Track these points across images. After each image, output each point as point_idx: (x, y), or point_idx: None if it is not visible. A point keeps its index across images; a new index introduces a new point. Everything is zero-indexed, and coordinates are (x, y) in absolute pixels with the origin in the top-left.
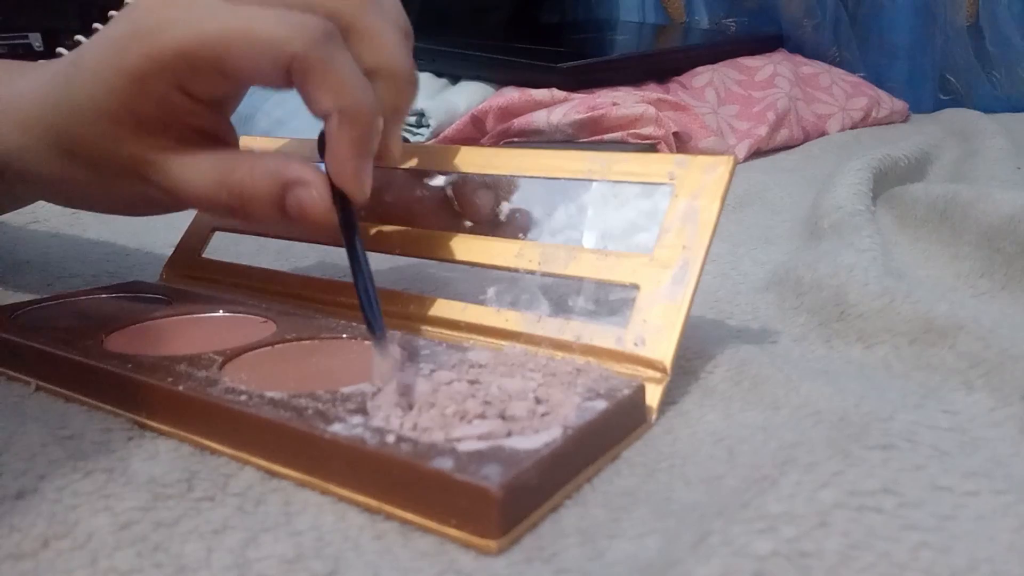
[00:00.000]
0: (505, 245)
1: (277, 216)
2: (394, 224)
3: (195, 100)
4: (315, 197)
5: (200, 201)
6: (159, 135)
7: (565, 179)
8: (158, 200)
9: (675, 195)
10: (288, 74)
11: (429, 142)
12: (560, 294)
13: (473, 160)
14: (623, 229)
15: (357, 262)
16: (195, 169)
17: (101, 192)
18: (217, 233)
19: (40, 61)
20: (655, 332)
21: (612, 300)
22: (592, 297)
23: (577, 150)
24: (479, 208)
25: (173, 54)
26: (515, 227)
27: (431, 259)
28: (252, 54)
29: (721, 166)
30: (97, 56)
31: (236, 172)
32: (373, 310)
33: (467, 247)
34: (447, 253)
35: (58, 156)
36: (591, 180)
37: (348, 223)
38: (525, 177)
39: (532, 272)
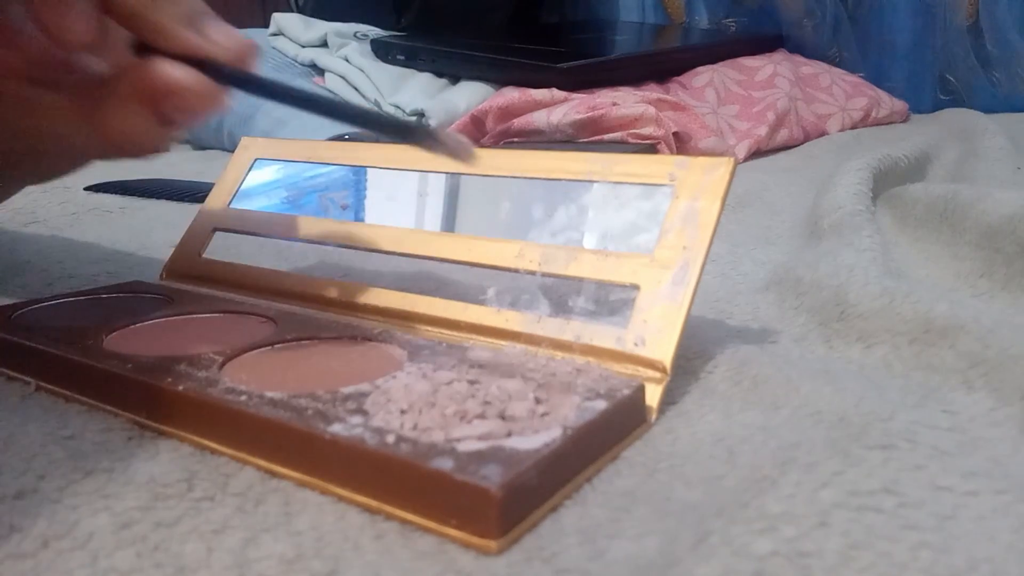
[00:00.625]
0: (505, 246)
1: (158, 125)
2: (395, 225)
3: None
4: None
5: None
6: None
7: (566, 180)
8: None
9: (675, 196)
10: None
11: None
12: (560, 294)
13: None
14: (623, 230)
15: (314, 101)
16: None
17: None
18: (217, 233)
19: None
20: (655, 332)
21: (612, 300)
22: (592, 297)
23: (577, 151)
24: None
25: None
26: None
27: (431, 259)
28: None
29: (721, 167)
30: None
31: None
32: (384, 120)
33: (467, 247)
34: (447, 253)
35: None
36: (592, 181)
37: (241, 78)
38: (526, 179)
39: (532, 272)
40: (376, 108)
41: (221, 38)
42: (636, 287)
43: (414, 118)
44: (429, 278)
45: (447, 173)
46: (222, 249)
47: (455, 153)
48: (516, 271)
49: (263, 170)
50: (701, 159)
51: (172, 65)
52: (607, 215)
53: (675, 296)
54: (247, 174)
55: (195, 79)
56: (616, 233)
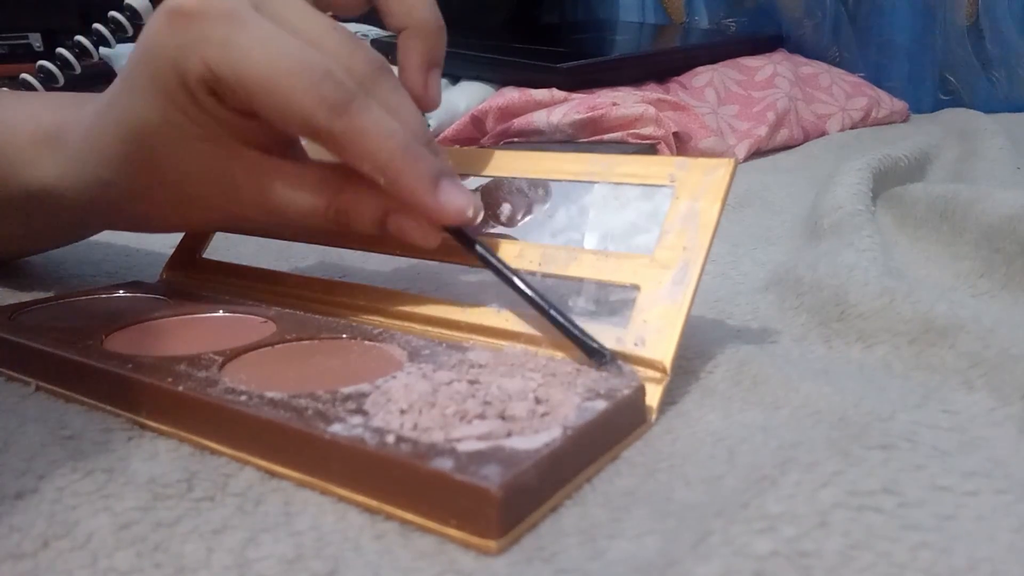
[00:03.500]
0: (505, 246)
1: (379, 233)
2: None
3: (248, 116)
4: (417, 224)
5: (307, 219)
6: (247, 151)
7: (566, 181)
8: (262, 220)
9: (676, 197)
10: (316, 137)
11: None
12: (560, 295)
13: (475, 161)
14: (624, 230)
15: (533, 298)
16: (300, 190)
17: (171, 210)
18: (217, 233)
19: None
20: (655, 332)
21: (612, 301)
22: (592, 298)
23: (578, 152)
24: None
25: (197, 80)
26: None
27: (431, 259)
28: (275, 115)
29: (721, 168)
30: (138, 79)
31: (343, 194)
32: (583, 337)
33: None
34: (447, 253)
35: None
36: (592, 182)
37: (482, 255)
38: (526, 179)
39: (533, 273)
40: (576, 328)
41: (453, 201)
42: (636, 287)
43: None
44: (429, 278)
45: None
46: (222, 249)
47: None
48: (516, 272)
49: None
50: (702, 160)
51: (407, 221)
52: (607, 215)
53: (675, 296)
54: None
55: (422, 234)
56: (616, 234)
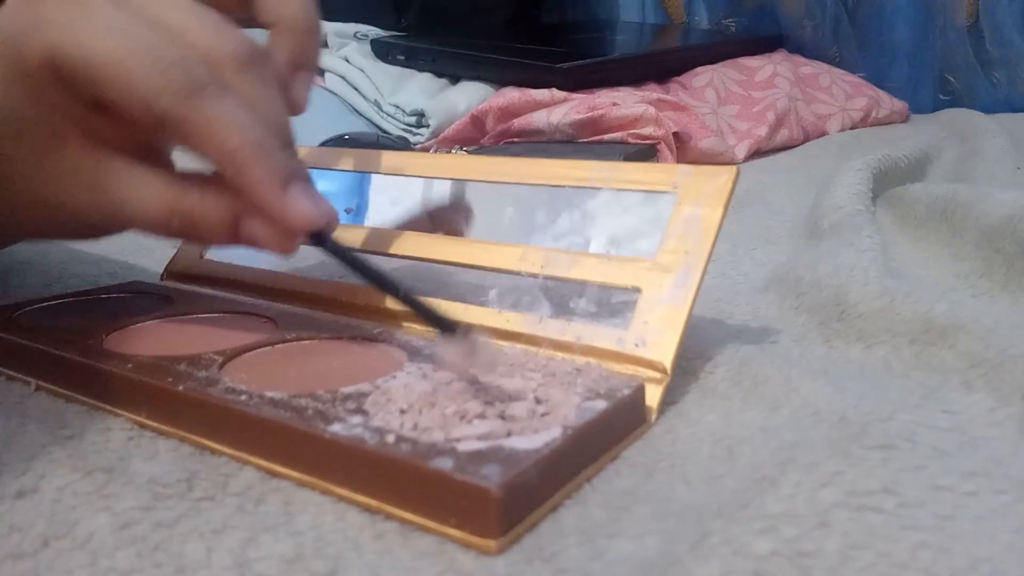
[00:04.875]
0: (508, 249)
1: (232, 242)
2: (398, 228)
3: (109, 114)
4: (268, 230)
5: (148, 224)
6: (91, 148)
7: (570, 187)
8: (98, 223)
9: (678, 203)
10: (161, 127)
11: (428, 141)
12: (562, 296)
13: (480, 168)
14: (626, 235)
15: (381, 280)
16: (145, 191)
17: (20, 214)
18: None
19: None
20: (656, 334)
21: (614, 303)
22: (594, 300)
23: (580, 157)
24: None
25: (38, 62)
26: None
27: (433, 261)
28: (119, 98)
29: (724, 175)
30: None
31: (186, 198)
32: (430, 312)
33: (469, 251)
34: (449, 256)
35: None
36: (595, 188)
37: (339, 251)
38: (530, 185)
39: (534, 275)
40: (418, 301)
41: (303, 205)
42: (637, 290)
43: (419, 123)
44: (430, 280)
45: (452, 179)
46: (224, 252)
47: (472, 361)
48: (518, 274)
49: None
50: (704, 168)
51: (258, 226)
52: (610, 220)
53: (676, 298)
54: None
55: (275, 240)
56: (619, 238)
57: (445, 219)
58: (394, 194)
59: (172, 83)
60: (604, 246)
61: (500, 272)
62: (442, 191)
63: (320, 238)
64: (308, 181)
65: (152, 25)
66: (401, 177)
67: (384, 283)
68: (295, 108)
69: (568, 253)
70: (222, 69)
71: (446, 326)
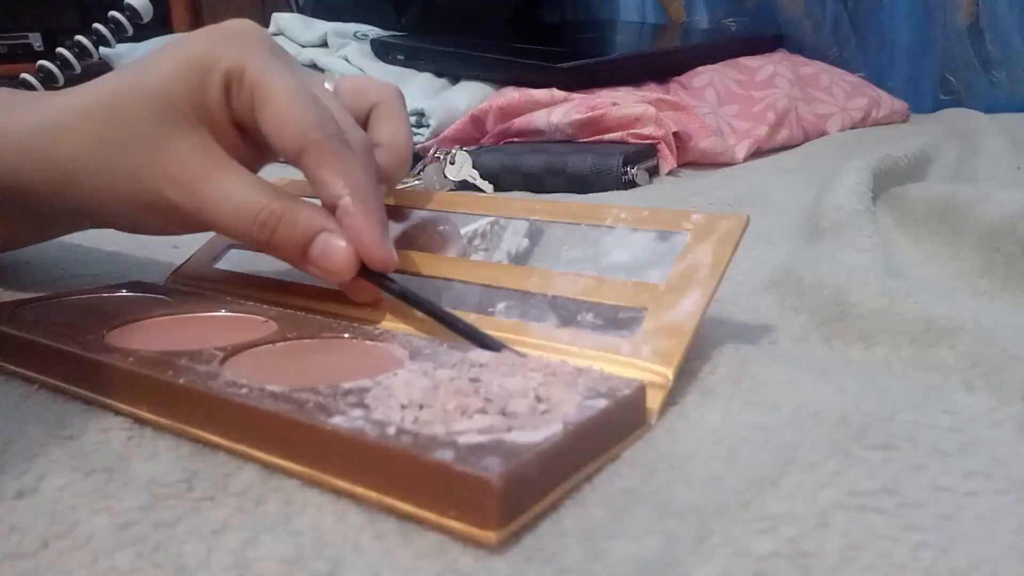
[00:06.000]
0: (518, 270)
1: (299, 258)
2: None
3: (239, 128)
4: (341, 251)
5: (229, 224)
6: (210, 142)
7: (586, 224)
8: (176, 216)
9: (690, 241)
10: (303, 153)
11: (428, 141)
12: (569, 310)
13: (504, 206)
14: (637, 265)
15: (433, 310)
16: (241, 187)
17: (114, 207)
18: (231, 251)
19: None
20: (661, 344)
21: (621, 318)
22: (601, 314)
23: (601, 204)
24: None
25: (222, 68)
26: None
27: (442, 279)
28: (278, 122)
29: (734, 221)
30: (159, 56)
31: (276, 203)
32: (479, 336)
33: (479, 272)
34: (458, 275)
35: (65, 176)
36: (611, 226)
37: (395, 289)
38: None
39: (543, 294)
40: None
41: (392, 250)
42: (644, 309)
43: (419, 123)
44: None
45: (474, 215)
46: (234, 263)
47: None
48: (526, 292)
49: None
50: (717, 215)
51: (334, 248)
52: (622, 253)
53: (683, 314)
54: None
55: (342, 266)
56: (630, 267)
57: (449, 244)
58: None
59: (326, 125)
60: (615, 273)
61: (509, 291)
62: (452, 223)
63: (385, 280)
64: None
65: (314, 93)
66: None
67: (438, 315)
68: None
69: (578, 276)
70: (353, 141)
71: (488, 345)
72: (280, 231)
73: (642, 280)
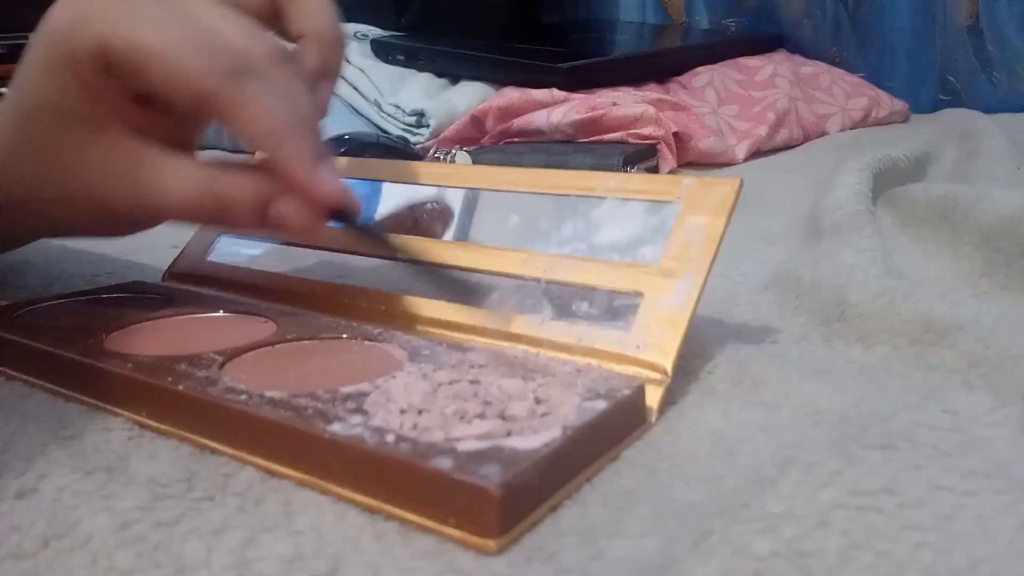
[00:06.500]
0: (511, 254)
1: (259, 224)
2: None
3: (147, 106)
4: (297, 209)
5: (182, 207)
6: (128, 139)
7: (575, 195)
8: (133, 217)
9: (682, 212)
10: (205, 106)
11: (428, 141)
12: (564, 300)
13: (490, 178)
14: (630, 243)
15: (407, 254)
16: (179, 175)
17: (67, 208)
18: (222, 238)
19: None
20: (657, 336)
21: (616, 306)
22: (596, 303)
23: (588, 171)
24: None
25: (88, 53)
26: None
27: (435, 265)
28: (167, 82)
29: (727, 186)
30: (30, 60)
31: (220, 180)
32: (455, 281)
33: (472, 255)
34: (451, 260)
35: (19, 175)
36: (600, 197)
37: (364, 228)
38: (536, 193)
39: (537, 279)
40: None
41: (333, 180)
42: (640, 294)
43: (419, 123)
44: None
45: (463, 188)
46: (227, 254)
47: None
48: (521, 278)
49: None
50: (708, 179)
51: (288, 206)
52: (614, 228)
53: (678, 302)
54: None
55: (302, 218)
56: (622, 245)
57: (441, 224)
58: (394, 200)
59: (218, 65)
60: (607, 253)
61: (503, 276)
62: (440, 196)
63: (344, 216)
64: (333, 166)
65: (193, 22)
66: (403, 185)
67: (408, 256)
68: (319, 112)
69: (571, 258)
70: (259, 62)
71: (470, 296)
72: (230, 213)
73: (635, 260)
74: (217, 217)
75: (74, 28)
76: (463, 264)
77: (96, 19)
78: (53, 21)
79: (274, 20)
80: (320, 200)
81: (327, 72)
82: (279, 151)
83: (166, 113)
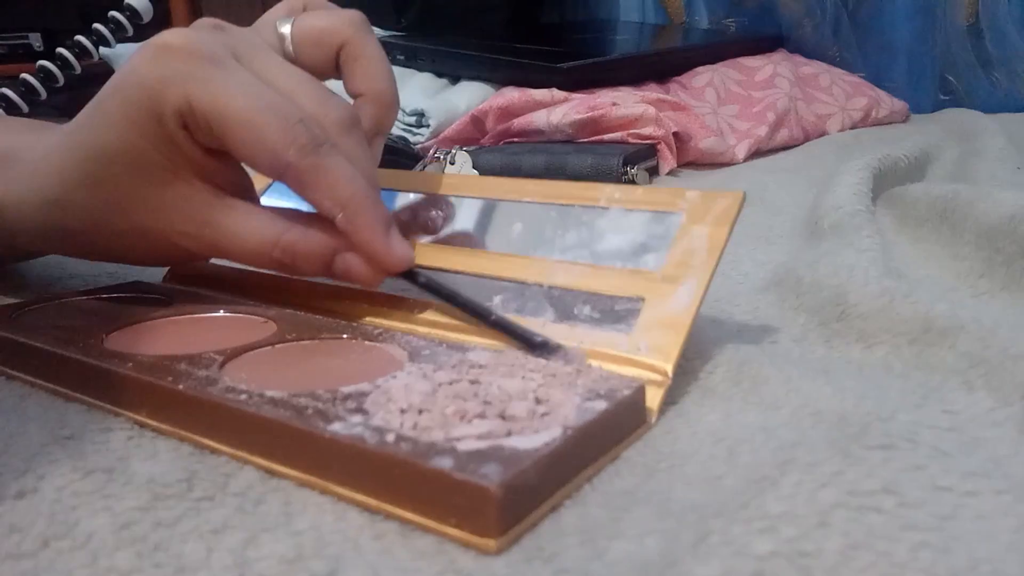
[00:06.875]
0: (514, 260)
1: (324, 274)
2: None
3: (217, 155)
4: (362, 264)
5: (251, 254)
6: (201, 183)
7: (579, 206)
8: (195, 256)
9: (685, 222)
10: (282, 175)
11: (428, 141)
12: (565, 303)
13: (488, 187)
14: (632, 251)
15: (472, 307)
16: (250, 223)
17: (118, 240)
18: None
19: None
20: (659, 338)
21: (617, 310)
22: (597, 307)
23: (593, 183)
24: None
25: (174, 109)
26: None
27: (436, 270)
28: (249, 150)
29: (731, 198)
30: (111, 105)
31: (290, 231)
32: (520, 332)
33: (475, 261)
34: (453, 265)
35: (59, 207)
36: (605, 207)
37: (431, 286)
38: (540, 203)
39: (539, 285)
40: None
41: (401, 247)
42: (641, 299)
43: (419, 123)
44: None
45: (467, 197)
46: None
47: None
48: (523, 283)
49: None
50: (712, 192)
51: (354, 262)
52: (617, 237)
53: (680, 306)
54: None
55: (369, 275)
56: (625, 253)
57: (446, 231)
58: (406, 208)
59: (297, 139)
60: (610, 260)
61: (505, 281)
62: (447, 205)
63: (410, 275)
64: (399, 231)
65: (272, 87)
66: (420, 195)
67: (475, 310)
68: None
69: (573, 265)
70: (331, 130)
71: (540, 346)
72: (298, 262)
73: (638, 267)
74: (285, 265)
75: (164, 85)
76: (463, 269)
77: (185, 79)
78: (142, 73)
79: (335, 74)
80: (392, 266)
81: (380, 131)
82: (354, 220)
83: (233, 163)
